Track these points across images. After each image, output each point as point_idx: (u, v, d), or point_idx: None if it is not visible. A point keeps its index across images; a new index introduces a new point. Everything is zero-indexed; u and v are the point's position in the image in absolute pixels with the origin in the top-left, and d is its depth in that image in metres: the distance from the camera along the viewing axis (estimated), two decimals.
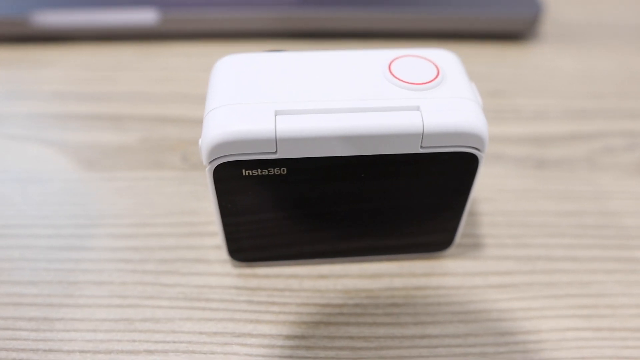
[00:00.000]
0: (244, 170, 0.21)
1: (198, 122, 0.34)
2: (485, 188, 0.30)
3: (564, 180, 0.31)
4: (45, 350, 0.23)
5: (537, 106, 0.37)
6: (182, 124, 0.34)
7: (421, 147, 0.21)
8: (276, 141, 0.20)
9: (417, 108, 0.21)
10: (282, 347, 0.23)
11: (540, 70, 0.40)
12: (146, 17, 0.40)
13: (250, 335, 0.24)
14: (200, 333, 0.24)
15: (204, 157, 0.21)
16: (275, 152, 0.20)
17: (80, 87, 0.37)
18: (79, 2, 0.40)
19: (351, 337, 0.24)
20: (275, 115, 0.20)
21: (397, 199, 0.23)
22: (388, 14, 0.40)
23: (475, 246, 0.27)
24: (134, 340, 0.23)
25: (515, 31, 0.42)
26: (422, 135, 0.20)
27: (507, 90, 0.38)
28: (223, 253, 0.26)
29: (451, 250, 0.27)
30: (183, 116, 0.35)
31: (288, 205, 0.23)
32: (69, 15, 0.39)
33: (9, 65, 0.39)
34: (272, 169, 0.21)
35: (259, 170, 0.21)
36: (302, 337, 0.24)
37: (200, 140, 0.21)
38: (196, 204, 0.29)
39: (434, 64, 0.23)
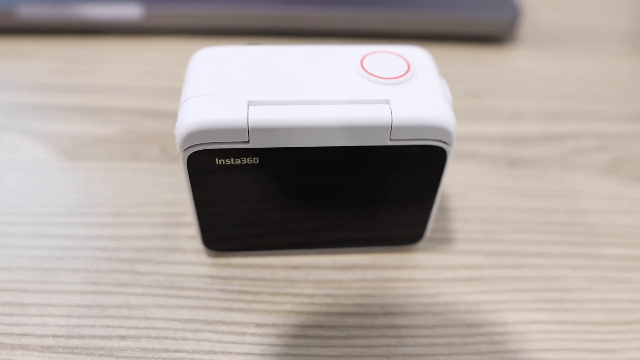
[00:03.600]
0: (217, 159, 0.21)
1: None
2: (457, 184, 0.31)
3: (535, 178, 0.32)
4: (18, 335, 0.23)
5: (512, 107, 0.37)
6: (162, 118, 0.35)
7: (390, 139, 0.21)
8: (248, 130, 0.20)
9: (387, 101, 0.21)
10: (252, 334, 0.24)
11: (516, 72, 0.41)
12: (130, 12, 0.40)
13: (222, 322, 0.24)
14: (173, 320, 0.24)
15: (178, 145, 0.21)
16: (248, 142, 0.21)
17: (62, 79, 0.37)
18: None
19: (321, 326, 0.24)
20: (248, 106, 0.21)
21: (369, 192, 0.24)
22: (367, 14, 0.41)
23: (445, 240, 0.28)
24: (107, 326, 0.24)
25: (493, 34, 0.43)
26: (391, 128, 0.21)
27: (483, 91, 0.39)
28: (198, 243, 0.26)
29: (422, 243, 0.27)
30: (164, 110, 0.35)
31: (261, 196, 0.24)
32: (54, 9, 0.39)
33: None
34: (244, 158, 0.22)
35: (232, 160, 0.22)
36: (273, 325, 0.24)
37: (175, 129, 0.21)
38: (173, 195, 0.29)
39: (405, 59, 0.23)
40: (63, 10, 0.40)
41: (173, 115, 0.35)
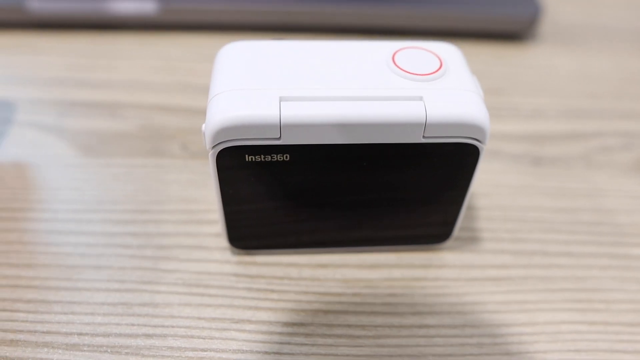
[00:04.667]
0: (247, 156, 0.21)
1: (198, 112, 0.34)
2: (482, 183, 0.31)
3: (560, 177, 0.32)
4: (43, 332, 0.23)
5: (534, 105, 0.37)
6: (181, 114, 0.34)
7: (423, 137, 0.21)
8: (280, 127, 0.20)
9: (420, 98, 0.21)
10: (280, 333, 0.23)
11: (538, 70, 0.40)
12: (146, 6, 0.40)
13: (249, 321, 0.24)
14: (199, 318, 0.24)
15: (208, 142, 0.21)
16: (279, 138, 0.20)
17: (79, 74, 0.37)
18: None
19: (349, 326, 0.24)
20: (280, 101, 0.20)
21: (399, 190, 0.23)
22: (389, 10, 0.40)
23: (472, 239, 0.28)
24: (133, 324, 0.23)
25: (514, 31, 0.42)
26: (425, 125, 0.21)
27: (505, 89, 0.38)
28: (223, 240, 0.26)
29: (449, 243, 0.27)
30: (183, 106, 0.35)
31: (290, 194, 0.23)
32: (68, 3, 0.39)
33: (8, 52, 0.39)
34: (275, 155, 0.21)
35: (262, 156, 0.21)
36: (301, 324, 0.24)
37: (203, 125, 0.21)
38: (195, 191, 0.29)
39: (437, 56, 0.23)
40: (77, 5, 0.39)
41: (193, 112, 0.34)
